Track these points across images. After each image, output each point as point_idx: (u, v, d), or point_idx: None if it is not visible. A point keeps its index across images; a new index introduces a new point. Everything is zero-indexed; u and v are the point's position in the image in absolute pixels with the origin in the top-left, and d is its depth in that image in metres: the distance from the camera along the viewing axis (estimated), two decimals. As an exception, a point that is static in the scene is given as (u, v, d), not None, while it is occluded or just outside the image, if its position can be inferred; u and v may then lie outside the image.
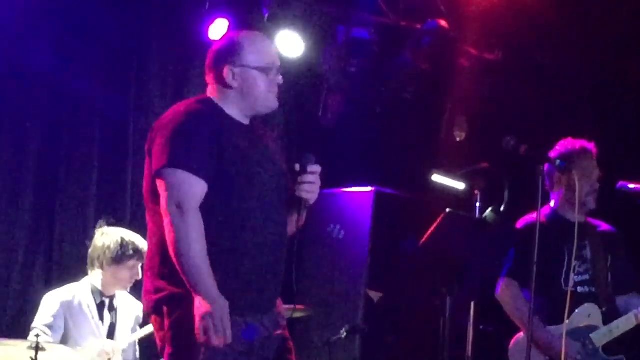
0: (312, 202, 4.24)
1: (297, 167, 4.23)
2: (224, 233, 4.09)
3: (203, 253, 4.00)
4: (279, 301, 4.32)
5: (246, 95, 4.23)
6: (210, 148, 4.09)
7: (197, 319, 3.96)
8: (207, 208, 4.06)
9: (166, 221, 4.04)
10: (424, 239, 5.10)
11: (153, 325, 4.21)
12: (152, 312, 4.18)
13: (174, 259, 4.01)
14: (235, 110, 4.25)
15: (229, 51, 4.26)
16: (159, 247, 4.13)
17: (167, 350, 4.11)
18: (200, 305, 3.97)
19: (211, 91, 4.31)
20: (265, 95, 4.24)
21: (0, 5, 6.48)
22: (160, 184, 4.09)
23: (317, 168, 4.22)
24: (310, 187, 4.20)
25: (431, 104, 8.15)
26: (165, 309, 4.11)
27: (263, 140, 4.30)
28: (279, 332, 4.26)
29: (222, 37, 4.48)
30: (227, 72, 4.24)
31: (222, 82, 4.25)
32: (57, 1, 6.78)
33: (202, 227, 4.02)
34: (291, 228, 4.33)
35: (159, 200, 4.10)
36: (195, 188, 4.05)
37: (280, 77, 4.28)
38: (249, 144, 4.21)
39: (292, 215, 4.31)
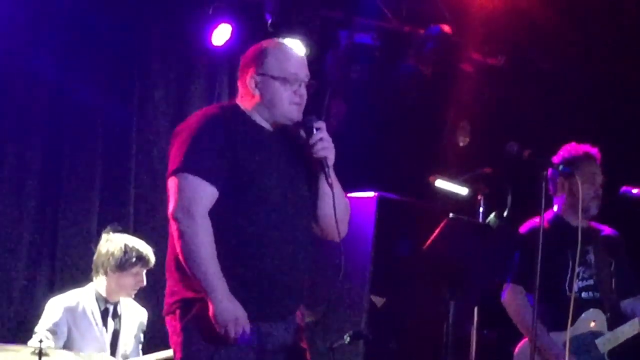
0: (331, 158, 4.16)
1: (303, 133, 4.20)
2: (234, 239, 4.08)
3: (212, 257, 4.00)
4: (300, 310, 4.28)
5: (267, 104, 4.20)
6: (225, 154, 4.09)
7: (215, 324, 3.98)
8: (218, 214, 4.06)
9: (174, 226, 4.04)
10: (427, 244, 5.10)
11: (168, 328, 4.21)
12: (167, 314, 4.20)
13: (184, 264, 4.03)
14: (259, 117, 4.23)
15: (254, 58, 4.25)
16: (174, 251, 4.13)
17: (177, 355, 4.12)
18: (213, 310, 3.98)
19: (239, 97, 4.30)
20: (285, 107, 4.18)
21: (4, 13, 6.48)
22: (170, 187, 4.11)
23: (321, 123, 4.18)
24: (323, 143, 4.15)
25: (434, 109, 8.15)
26: (178, 312, 4.12)
27: (287, 146, 4.25)
28: (295, 341, 4.22)
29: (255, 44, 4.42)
30: (249, 79, 4.23)
31: (246, 89, 4.25)
32: (60, 9, 6.77)
33: (211, 231, 4.02)
34: (327, 198, 4.18)
35: None
36: (205, 193, 4.05)
37: (304, 89, 4.21)
38: (269, 151, 4.18)
39: (322, 189, 4.22)
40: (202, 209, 4.03)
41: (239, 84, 4.30)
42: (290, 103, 4.19)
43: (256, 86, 4.21)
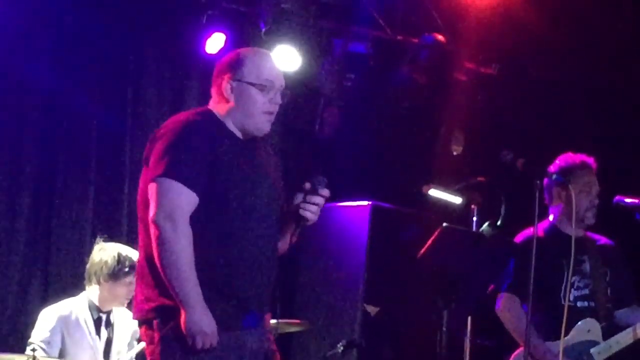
0: (311, 223, 4.24)
1: (308, 186, 4.23)
2: (212, 247, 4.09)
3: (191, 266, 4.00)
4: (267, 316, 4.31)
5: (241, 111, 4.22)
6: (205, 161, 4.09)
7: (184, 333, 3.98)
8: (197, 221, 4.06)
9: (154, 232, 4.03)
10: (421, 253, 5.10)
11: (142, 337, 4.20)
12: (142, 323, 4.18)
13: (161, 270, 4.02)
14: (231, 124, 4.25)
15: (231, 64, 4.27)
16: (149, 255, 4.11)
17: None
18: (186, 319, 3.98)
19: (212, 103, 4.31)
20: (258, 116, 4.21)
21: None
22: (152, 193, 4.10)
23: (327, 192, 4.24)
24: (316, 208, 4.21)
25: (428, 118, 8.16)
26: (155, 322, 4.10)
27: (259, 155, 4.29)
28: (266, 347, 4.25)
29: (231, 51, 4.46)
30: (225, 85, 4.24)
31: (221, 95, 4.26)
32: (54, 16, 6.78)
33: (191, 239, 4.03)
34: (284, 245, 4.33)
35: None
36: (187, 200, 4.05)
37: (279, 97, 4.24)
38: (244, 159, 4.20)
39: (286, 232, 4.31)
40: (185, 216, 4.04)
41: (213, 89, 4.32)
42: (263, 112, 4.22)
43: (232, 92, 4.23)
